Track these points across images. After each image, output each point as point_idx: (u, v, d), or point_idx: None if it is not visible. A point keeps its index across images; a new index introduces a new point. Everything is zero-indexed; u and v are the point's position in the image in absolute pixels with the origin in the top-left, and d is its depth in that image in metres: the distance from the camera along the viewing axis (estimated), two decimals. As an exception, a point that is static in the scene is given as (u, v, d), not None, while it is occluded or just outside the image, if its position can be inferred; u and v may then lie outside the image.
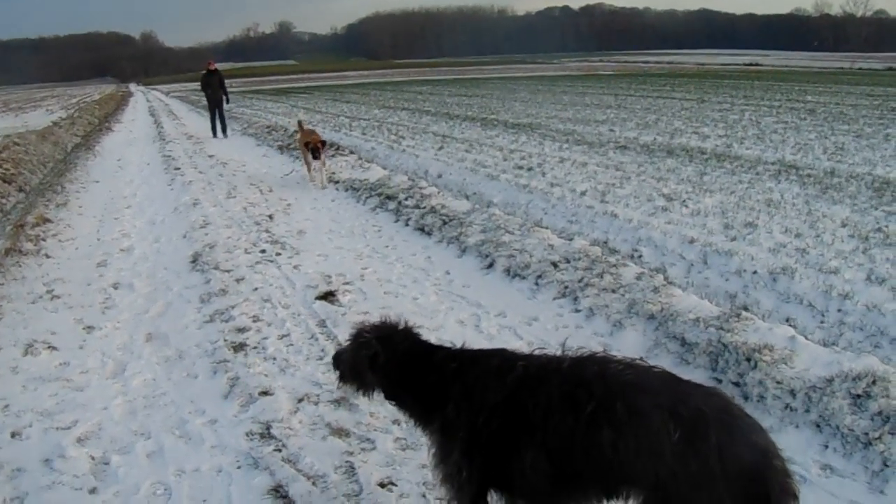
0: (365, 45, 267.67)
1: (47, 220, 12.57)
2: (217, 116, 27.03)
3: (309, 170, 16.09)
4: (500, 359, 3.42)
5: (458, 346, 3.73)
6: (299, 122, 19.33)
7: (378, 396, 3.82)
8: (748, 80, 59.41)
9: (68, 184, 17.20)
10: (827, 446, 4.85)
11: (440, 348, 3.72)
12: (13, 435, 5.40)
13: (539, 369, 3.22)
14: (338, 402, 5.74)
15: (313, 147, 15.22)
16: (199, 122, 25.20)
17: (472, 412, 3.24)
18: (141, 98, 74.83)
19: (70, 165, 20.87)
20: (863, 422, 4.84)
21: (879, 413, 4.84)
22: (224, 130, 27.27)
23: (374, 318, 3.94)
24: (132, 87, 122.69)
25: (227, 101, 27.25)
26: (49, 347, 7.06)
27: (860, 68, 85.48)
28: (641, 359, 3.13)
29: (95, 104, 53.20)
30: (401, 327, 3.78)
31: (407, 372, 3.62)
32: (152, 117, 41.53)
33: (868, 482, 4.48)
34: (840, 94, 38.95)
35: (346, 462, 4.90)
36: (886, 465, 4.51)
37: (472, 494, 3.36)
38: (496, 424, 3.17)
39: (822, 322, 7.22)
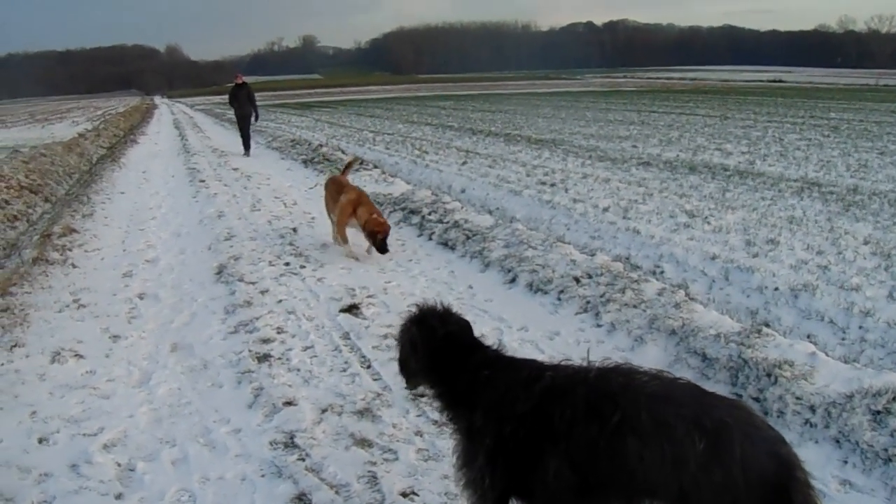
0: (389, 59, 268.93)
1: (73, 231, 12.70)
2: (244, 131, 25.57)
3: (345, 242, 11.09)
4: (530, 369, 3.45)
5: (495, 345, 3.75)
6: (334, 179, 12.25)
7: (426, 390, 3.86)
8: (772, 96, 59.36)
9: (94, 195, 17.34)
10: (846, 462, 4.87)
11: (477, 349, 3.73)
12: (41, 440, 5.48)
13: (566, 380, 3.25)
14: (361, 413, 5.80)
15: (380, 237, 10.46)
16: (223, 135, 25.49)
17: (500, 421, 3.27)
18: (166, 111, 75.37)
19: (96, 177, 21.04)
20: (883, 438, 4.86)
21: (899, 429, 4.86)
22: (247, 148, 25.67)
23: (417, 302, 3.98)
24: (157, 99, 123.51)
25: (257, 119, 25.93)
26: (76, 355, 7.14)
27: (885, 85, 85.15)
28: (665, 371, 3.17)
29: (120, 116, 53.62)
30: (439, 310, 3.82)
31: (441, 362, 3.66)
32: (177, 130, 41.82)
33: (888, 498, 4.50)
34: (864, 110, 38.86)
35: (369, 472, 4.95)
36: (905, 482, 4.53)
37: (494, 501, 3.38)
38: (522, 434, 3.20)
39: (843, 339, 7.23)
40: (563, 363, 3.44)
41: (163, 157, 26.44)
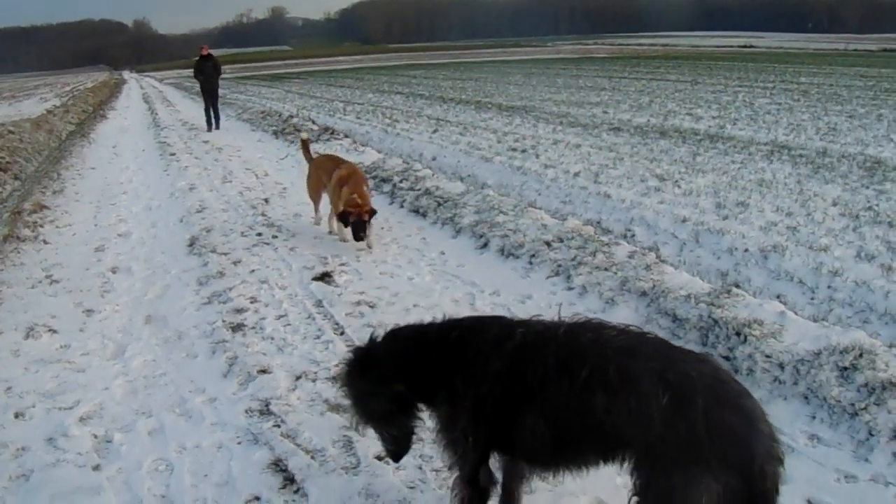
0: (358, 29, 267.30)
1: (44, 207, 12.63)
2: (211, 106, 24.62)
3: (332, 228, 10.46)
4: (500, 326, 3.48)
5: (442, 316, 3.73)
6: (305, 142, 12.43)
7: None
8: (742, 61, 59.49)
9: (64, 171, 17.24)
10: (814, 417, 4.95)
11: (429, 325, 3.73)
12: (16, 415, 5.49)
13: (536, 336, 3.29)
14: (335, 379, 5.83)
15: (357, 220, 9.23)
16: (193, 108, 25.30)
17: (477, 381, 3.31)
18: (134, 85, 74.67)
19: (65, 153, 20.90)
20: (849, 393, 4.95)
21: (865, 385, 4.95)
22: (217, 122, 24.78)
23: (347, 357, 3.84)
24: (125, 74, 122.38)
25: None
26: (49, 331, 7.13)
27: (854, 50, 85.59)
28: (633, 326, 3.22)
29: (89, 92, 53.05)
30: (377, 341, 3.76)
31: (412, 364, 3.58)
32: (146, 104, 41.48)
33: (854, 451, 4.59)
34: (834, 75, 39.07)
35: (344, 437, 5.00)
36: (871, 435, 4.62)
37: (476, 459, 3.45)
38: (499, 392, 3.24)
39: (812, 298, 7.32)
40: (532, 319, 3.49)
41: (133, 132, 26.23)
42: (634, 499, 2.90)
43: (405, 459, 4.51)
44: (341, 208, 9.33)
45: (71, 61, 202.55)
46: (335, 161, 10.51)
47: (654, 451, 2.79)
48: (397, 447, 3.78)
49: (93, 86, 65.28)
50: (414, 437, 3.67)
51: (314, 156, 11.84)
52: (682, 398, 2.77)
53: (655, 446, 2.78)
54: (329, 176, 10.14)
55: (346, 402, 3.70)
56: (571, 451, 3.19)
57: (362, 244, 9.45)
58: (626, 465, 3.06)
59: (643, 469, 2.88)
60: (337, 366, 3.73)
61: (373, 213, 9.35)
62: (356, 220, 9.12)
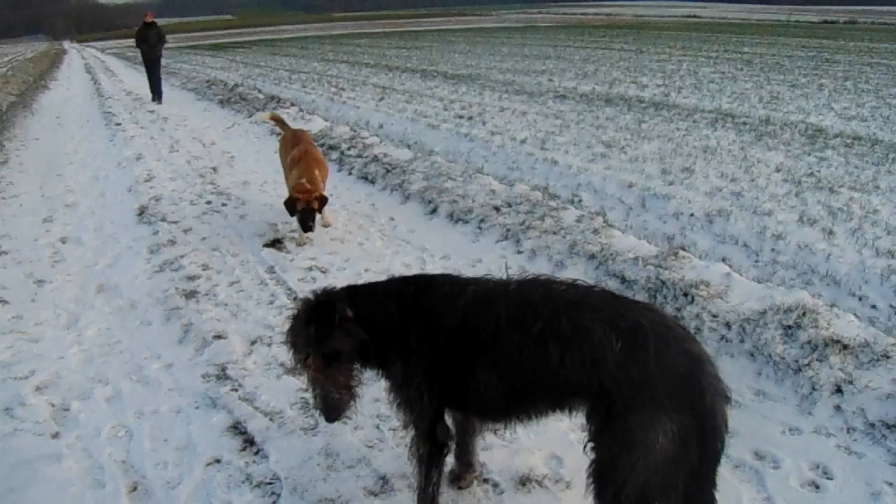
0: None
1: (-12, 178, 12.45)
2: (153, 76, 23.38)
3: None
4: (451, 284, 3.55)
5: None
6: (275, 118, 11.34)
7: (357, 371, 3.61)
8: (686, 31, 59.89)
9: (7, 142, 16.89)
10: (760, 373, 5.14)
11: (381, 283, 3.77)
12: (-29, 386, 5.47)
13: (487, 293, 3.37)
14: (288, 323, 5.89)
15: (304, 208, 8.23)
16: (137, 78, 24.92)
17: (431, 337, 3.37)
18: (76, 55, 73.21)
19: (7, 124, 20.45)
20: (793, 350, 5.14)
21: (809, 342, 5.15)
22: (158, 95, 23.43)
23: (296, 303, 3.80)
24: (66, 44, 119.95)
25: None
26: (1, 301, 7.08)
27: (796, 21, 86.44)
28: (581, 280, 3.32)
29: (29, 62, 52.12)
30: (327, 292, 3.67)
31: (369, 317, 3.53)
32: (89, 74, 40.77)
33: (798, 405, 4.78)
34: (776, 45, 39.57)
35: (302, 398, 5.07)
36: (815, 389, 4.81)
37: (432, 415, 3.52)
38: (452, 348, 3.32)
39: (756, 261, 7.50)
40: (482, 277, 3.57)
41: (76, 102, 25.78)
42: (590, 444, 3.00)
43: (362, 420, 4.62)
44: (289, 192, 8.53)
45: (8, 31, 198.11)
46: (296, 139, 9.49)
47: (610, 396, 2.89)
48: (335, 403, 3.52)
49: (32, 56, 64.07)
50: (355, 397, 3.58)
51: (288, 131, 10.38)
52: (634, 343, 2.89)
53: (610, 391, 2.89)
54: (286, 147, 9.50)
55: (297, 342, 3.49)
56: (524, 402, 3.28)
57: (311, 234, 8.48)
58: (576, 413, 3.20)
59: (598, 414, 2.99)
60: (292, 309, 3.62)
61: (323, 200, 8.40)
62: (303, 209, 8.17)
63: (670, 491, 2.89)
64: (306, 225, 8.19)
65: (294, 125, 15.40)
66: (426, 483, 3.64)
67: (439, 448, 3.60)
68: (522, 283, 3.35)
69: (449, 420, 3.66)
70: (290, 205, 8.24)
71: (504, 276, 3.51)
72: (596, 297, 3.18)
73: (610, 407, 2.90)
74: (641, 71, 26.18)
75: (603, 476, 2.94)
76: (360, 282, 3.89)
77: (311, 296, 3.58)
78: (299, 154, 8.85)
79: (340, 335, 3.42)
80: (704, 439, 2.84)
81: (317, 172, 8.60)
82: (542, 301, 3.16)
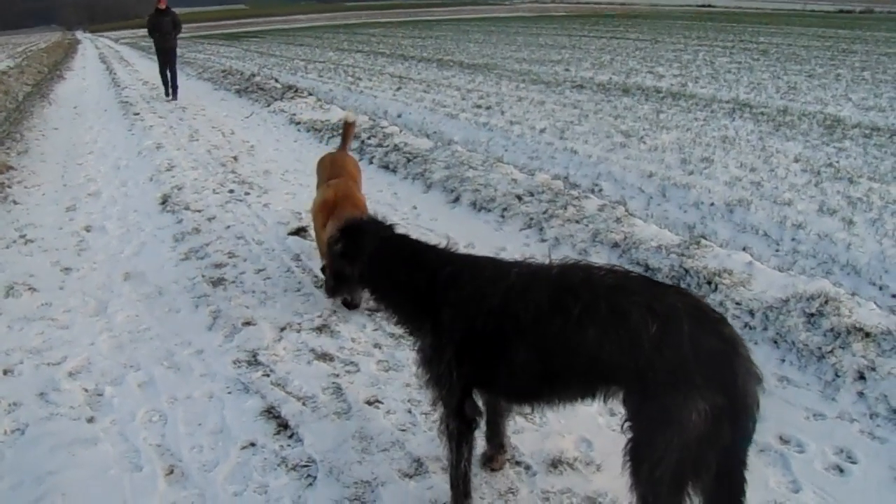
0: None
1: (10, 168, 12.53)
2: (168, 69, 21.32)
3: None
4: (494, 266, 3.66)
5: (443, 244, 3.88)
6: (333, 158, 7.77)
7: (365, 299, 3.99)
8: (701, 21, 59.70)
9: (27, 132, 16.98)
10: (784, 360, 5.21)
11: (428, 248, 3.89)
12: (5, 372, 5.57)
13: (530, 276, 3.46)
14: (319, 330, 6.01)
15: None
16: (152, 68, 24.77)
17: (469, 317, 3.45)
18: (90, 45, 73.34)
19: (25, 114, 20.55)
20: (816, 338, 5.20)
21: (831, 329, 5.22)
22: (174, 90, 21.45)
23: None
24: (79, 34, 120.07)
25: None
26: (29, 289, 7.17)
27: (812, 10, 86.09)
28: (618, 266, 3.41)
29: (43, 52, 52.06)
30: (368, 220, 4.08)
31: (391, 268, 3.80)
32: (104, 64, 40.86)
33: (821, 391, 4.84)
34: (792, 35, 39.41)
35: (333, 384, 5.16)
36: (837, 376, 4.87)
37: (460, 393, 3.60)
38: (491, 327, 3.39)
39: (776, 250, 7.54)
40: (525, 261, 3.65)
41: (93, 92, 25.87)
42: (627, 423, 3.09)
43: (394, 404, 4.70)
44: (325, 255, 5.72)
45: (21, 21, 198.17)
46: (333, 167, 7.36)
47: (645, 377, 2.97)
48: (332, 290, 4.23)
49: (46, 46, 64.04)
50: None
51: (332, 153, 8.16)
52: (669, 326, 2.96)
53: (646, 372, 2.96)
54: (319, 181, 7.49)
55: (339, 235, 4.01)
56: (558, 384, 3.37)
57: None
58: (609, 398, 3.29)
59: (634, 394, 3.08)
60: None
61: None
62: None
63: (702, 469, 2.96)
64: (347, 300, 6.25)
65: (313, 115, 15.52)
66: (457, 459, 3.73)
67: (468, 424, 3.68)
68: (564, 268, 3.41)
69: (478, 400, 3.74)
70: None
71: (546, 261, 3.57)
72: (633, 281, 3.25)
73: (646, 387, 2.98)
74: (658, 61, 26.16)
75: (639, 453, 3.01)
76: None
77: (362, 217, 4.06)
78: (335, 195, 6.55)
79: (341, 260, 3.98)
80: (736, 419, 2.90)
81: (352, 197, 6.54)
82: (583, 285, 3.23)
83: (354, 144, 12.47)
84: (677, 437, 2.87)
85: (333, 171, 7.18)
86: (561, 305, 3.20)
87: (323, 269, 6.27)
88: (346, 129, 8.27)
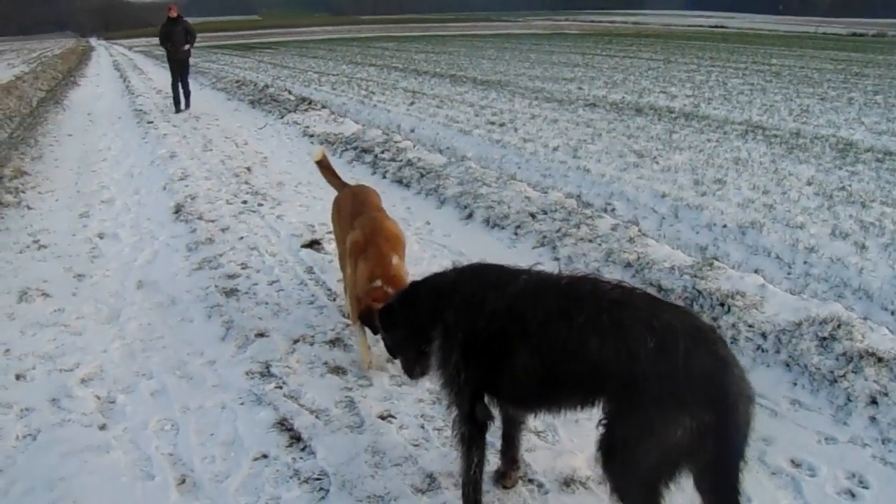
0: (328, 0, 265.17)
1: (25, 173, 12.60)
2: (180, 81, 20.86)
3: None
4: (500, 272, 3.86)
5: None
6: (323, 163, 7.56)
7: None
8: (714, 41, 59.76)
9: (41, 137, 17.10)
10: (796, 383, 5.21)
11: (428, 276, 4.18)
12: (17, 377, 5.59)
13: (538, 284, 3.65)
14: (332, 343, 6.03)
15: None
16: (166, 76, 24.75)
17: (471, 317, 3.66)
18: (104, 52, 73.73)
19: (40, 119, 20.68)
20: (828, 361, 5.20)
21: (844, 354, 5.22)
22: (186, 97, 21.03)
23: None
24: (93, 41, 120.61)
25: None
26: (43, 294, 7.22)
27: (825, 33, 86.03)
28: (625, 282, 3.52)
29: (58, 58, 52.48)
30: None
31: (407, 307, 4.09)
32: (118, 72, 41.05)
33: (833, 415, 4.84)
34: (805, 57, 39.36)
35: (346, 397, 5.18)
36: (850, 400, 4.87)
37: (470, 395, 3.73)
38: (494, 329, 3.57)
39: (788, 273, 7.53)
40: (534, 268, 3.82)
41: (107, 99, 25.97)
42: (604, 421, 3.27)
43: (407, 419, 4.72)
44: (359, 302, 5.35)
45: (37, 27, 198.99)
46: (357, 202, 6.43)
47: (638, 385, 3.10)
48: (407, 370, 4.29)
49: (61, 52, 64.51)
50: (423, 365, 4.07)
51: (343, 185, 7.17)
52: (666, 342, 3.08)
53: (637, 381, 3.10)
54: (344, 230, 6.29)
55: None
56: (558, 389, 3.51)
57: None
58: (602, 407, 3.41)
59: (622, 401, 3.21)
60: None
61: None
62: None
63: (677, 476, 3.13)
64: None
65: (326, 128, 15.54)
66: (467, 464, 3.83)
67: (479, 428, 3.79)
68: (573, 279, 3.58)
69: (495, 411, 3.84)
70: (371, 319, 4.82)
71: (555, 272, 3.76)
72: (637, 297, 3.40)
73: (635, 396, 3.11)
74: (670, 81, 26.16)
75: (620, 450, 3.18)
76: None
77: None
78: (364, 237, 5.70)
79: (385, 335, 4.34)
80: (725, 436, 3.01)
81: (395, 260, 5.57)
82: (589, 296, 3.40)
83: (368, 158, 12.53)
84: (657, 448, 3.06)
85: (355, 209, 6.25)
86: (566, 313, 3.36)
87: (360, 318, 5.28)
88: (322, 168, 7.45)
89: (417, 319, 3.96)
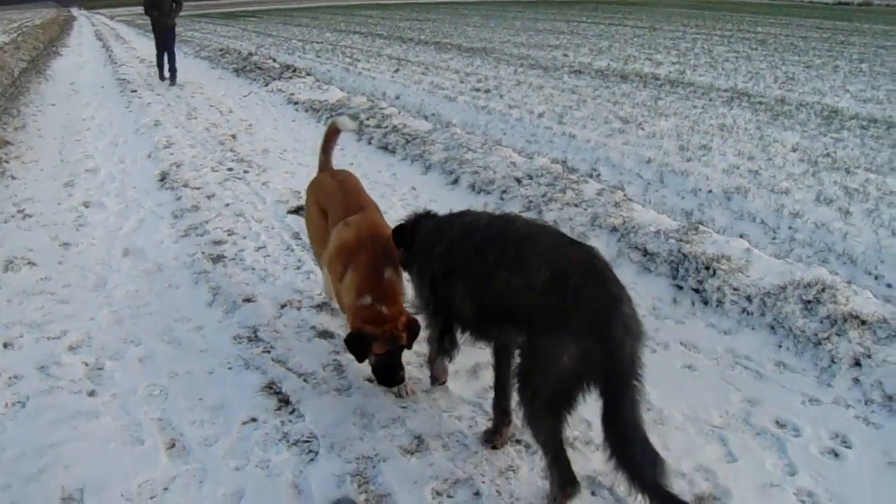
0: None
1: (7, 143, 12.46)
2: (165, 50, 19.83)
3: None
4: (448, 218, 4.44)
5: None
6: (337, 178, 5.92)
7: None
8: (699, 9, 59.56)
9: (23, 107, 16.87)
10: (781, 346, 5.28)
11: (429, 216, 4.76)
12: (5, 345, 5.57)
13: (465, 226, 4.11)
14: (319, 307, 6.05)
15: (383, 354, 4.43)
16: (149, 46, 24.22)
17: (429, 259, 4.22)
18: (85, 22, 72.73)
19: (21, 89, 20.43)
20: (813, 324, 5.26)
21: (828, 317, 5.28)
22: (172, 73, 19.78)
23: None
24: (74, 11, 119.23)
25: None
26: (29, 263, 7.18)
27: (811, 1, 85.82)
28: (543, 221, 3.77)
29: (38, 28, 51.72)
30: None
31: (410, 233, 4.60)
32: (100, 41, 40.52)
33: (817, 377, 4.91)
34: (790, 25, 39.32)
35: (334, 360, 5.21)
36: (833, 362, 4.94)
37: (441, 321, 4.30)
38: (441, 269, 4.11)
39: (773, 238, 7.59)
40: (467, 212, 4.43)
41: (89, 69, 25.66)
42: (517, 351, 3.63)
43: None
44: (350, 321, 4.63)
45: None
46: (350, 195, 5.52)
47: (533, 317, 3.44)
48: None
49: (41, 22, 63.63)
50: None
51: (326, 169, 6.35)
52: (560, 275, 3.40)
53: (534, 311, 3.44)
54: (331, 217, 5.37)
55: None
56: (490, 317, 3.85)
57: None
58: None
59: (525, 331, 3.54)
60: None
61: (413, 328, 4.56)
62: (383, 356, 4.46)
63: (573, 402, 3.38)
64: (392, 378, 4.57)
65: (311, 95, 15.50)
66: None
67: (442, 351, 4.45)
68: (491, 219, 4.11)
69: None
70: (358, 345, 4.43)
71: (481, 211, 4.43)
72: (543, 234, 3.80)
73: (532, 326, 3.46)
74: (656, 48, 26.14)
75: (524, 379, 3.50)
76: None
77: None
78: (357, 239, 4.87)
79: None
80: (611, 367, 3.22)
81: (389, 273, 4.71)
82: (501, 234, 3.84)
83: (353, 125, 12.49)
84: (551, 372, 3.33)
85: (348, 201, 5.37)
86: (481, 251, 3.84)
87: (349, 342, 4.50)
88: (329, 141, 6.43)
89: (409, 259, 4.57)
